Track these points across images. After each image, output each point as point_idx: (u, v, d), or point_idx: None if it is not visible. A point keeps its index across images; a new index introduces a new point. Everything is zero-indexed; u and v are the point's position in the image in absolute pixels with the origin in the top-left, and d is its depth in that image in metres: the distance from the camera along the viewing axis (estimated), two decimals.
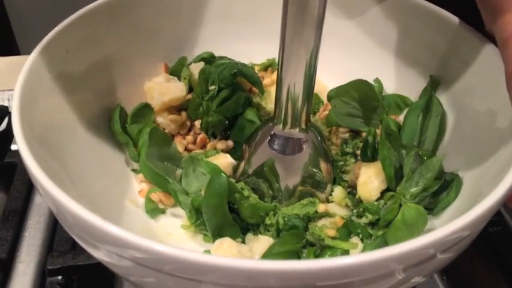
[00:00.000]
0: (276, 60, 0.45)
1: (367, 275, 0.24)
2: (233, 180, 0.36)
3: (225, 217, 0.35)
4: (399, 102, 0.43)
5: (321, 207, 0.38)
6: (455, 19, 0.38)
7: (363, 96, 0.39)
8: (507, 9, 0.31)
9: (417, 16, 0.40)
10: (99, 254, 0.28)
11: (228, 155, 0.39)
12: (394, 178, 0.36)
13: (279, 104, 0.34)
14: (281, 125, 0.36)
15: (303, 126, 0.36)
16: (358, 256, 0.23)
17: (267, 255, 0.33)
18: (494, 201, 0.25)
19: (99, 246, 0.27)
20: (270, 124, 0.37)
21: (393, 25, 0.42)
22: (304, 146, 0.37)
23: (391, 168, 0.36)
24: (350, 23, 0.44)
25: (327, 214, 0.38)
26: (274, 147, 0.36)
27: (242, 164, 0.39)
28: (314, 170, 0.37)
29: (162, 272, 0.25)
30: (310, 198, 0.38)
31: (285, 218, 0.36)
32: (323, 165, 0.38)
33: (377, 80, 0.44)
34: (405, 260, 0.23)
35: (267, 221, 0.36)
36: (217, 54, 0.46)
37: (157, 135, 0.39)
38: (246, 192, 0.36)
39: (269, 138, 0.37)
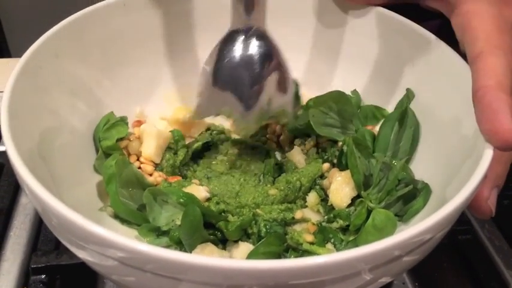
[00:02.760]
0: None
1: (337, 274, 0.25)
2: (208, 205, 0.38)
3: (204, 238, 0.36)
4: (376, 113, 0.45)
5: (298, 214, 0.39)
6: (431, 36, 0.40)
7: (341, 107, 0.41)
8: (475, 27, 0.33)
9: (396, 31, 0.42)
10: (82, 254, 0.29)
11: (201, 188, 0.39)
12: (364, 186, 0.38)
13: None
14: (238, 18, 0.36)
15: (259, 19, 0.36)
16: (327, 256, 0.24)
17: (252, 255, 0.35)
18: (453, 208, 0.27)
19: (82, 245, 0.28)
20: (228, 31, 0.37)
21: (373, 39, 0.44)
22: (266, 38, 0.36)
23: (359, 176, 0.37)
24: (331, 35, 0.46)
25: (302, 220, 0.39)
26: (236, 46, 0.36)
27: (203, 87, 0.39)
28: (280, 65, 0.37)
29: (144, 270, 0.26)
30: (288, 204, 0.39)
31: (267, 226, 0.37)
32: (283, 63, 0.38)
33: (354, 92, 0.45)
34: (371, 260, 0.25)
35: (249, 230, 0.38)
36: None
37: (124, 165, 0.37)
38: (229, 218, 0.37)
39: (228, 36, 0.37)
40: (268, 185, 0.41)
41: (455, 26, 0.36)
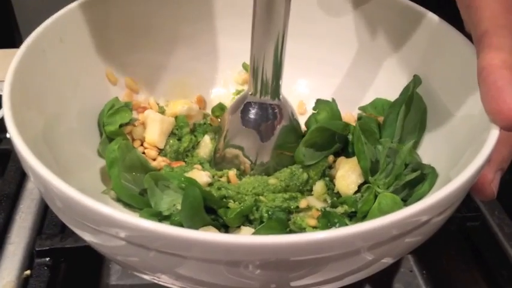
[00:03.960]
0: None
1: (337, 250, 0.25)
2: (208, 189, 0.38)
3: (205, 221, 0.36)
4: (385, 105, 0.44)
5: (303, 203, 0.39)
6: (436, 18, 0.40)
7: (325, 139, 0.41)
8: (481, 6, 0.33)
9: (400, 15, 0.42)
10: (87, 235, 0.29)
11: (203, 173, 0.39)
12: (371, 172, 0.37)
13: (253, 73, 0.37)
14: (255, 93, 0.38)
15: (275, 95, 0.38)
16: (327, 232, 0.24)
17: None
18: (452, 189, 0.26)
19: (87, 225, 0.28)
20: (244, 94, 0.39)
21: (378, 25, 0.44)
22: (277, 112, 0.39)
23: (366, 162, 0.37)
24: (334, 22, 0.45)
25: (307, 208, 0.39)
26: (249, 116, 0.39)
27: (218, 141, 0.40)
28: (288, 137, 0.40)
29: (150, 249, 0.26)
30: (293, 193, 0.39)
31: (269, 212, 0.37)
32: (294, 133, 0.40)
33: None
34: (369, 238, 0.25)
35: (251, 217, 0.37)
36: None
37: (127, 149, 0.38)
38: (230, 204, 0.37)
39: (242, 107, 0.39)
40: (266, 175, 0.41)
41: (461, 6, 0.36)
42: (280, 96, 0.39)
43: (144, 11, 0.44)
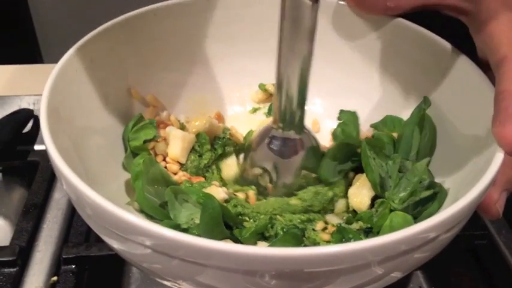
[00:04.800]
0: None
1: (348, 263, 0.26)
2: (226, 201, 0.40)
3: (224, 234, 0.37)
4: (395, 122, 0.46)
5: (319, 225, 0.40)
6: (448, 45, 0.41)
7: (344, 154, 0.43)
8: (497, 33, 0.34)
9: (413, 42, 0.43)
10: (114, 242, 0.31)
11: (220, 189, 0.41)
12: (381, 187, 0.39)
13: (277, 108, 0.38)
14: (278, 128, 0.40)
15: (299, 129, 0.40)
16: (341, 245, 0.26)
17: None
18: (458, 209, 0.28)
19: (115, 233, 0.30)
20: (269, 127, 0.41)
21: (389, 49, 0.45)
22: (300, 146, 0.40)
23: (373, 174, 0.38)
24: (348, 47, 0.47)
25: (324, 228, 0.40)
26: (273, 147, 0.40)
27: (244, 165, 0.42)
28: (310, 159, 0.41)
29: (173, 257, 0.28)
30: (310, 215, 0.40)
31: (284, 229, 0.38)
32: (315, 156, 0.42)
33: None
34: (380, 252, 0.26)
35: (266, 234, 0.39)
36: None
37: (151, 163, 0.40)
38: (245, 223, 0.39)
39: (268, 140, 0.40)
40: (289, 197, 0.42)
41: (474, 32, 0.37)
42: (304, 130, 0.41)
43: (166, 34, 0.46)
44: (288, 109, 0.38)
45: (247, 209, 0.40)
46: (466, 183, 0.34)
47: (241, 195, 0.42)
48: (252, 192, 0.42)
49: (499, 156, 0.31)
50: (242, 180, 0.43)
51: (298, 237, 0.38)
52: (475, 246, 0.46)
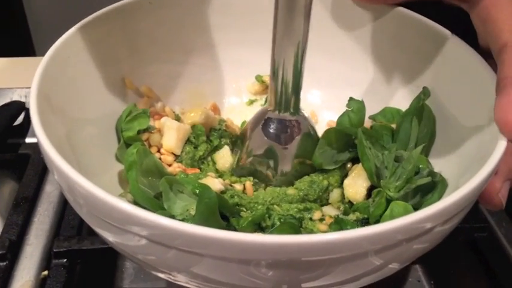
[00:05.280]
0: None
1: (346, 252, 0.26)
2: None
3: (219, 225, 0.36)
4: (394, 114, 0.45)
5: (317, 214, 0.39)
6: (448, 33, 0.41)
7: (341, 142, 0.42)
8: (500, 19, 0.34)
9: (414, 30, 0.43)
10: (108, 234, 0.30)
11: (216, 180, 0.40)
12: (377, 176, 0.38)
13: (273, 90, 0.38)
14: (274, 110, 0.39)
15: (294, 111, 0.39)
16: (339, 233, 0.25)
17: None
18: (458, 198, 0.27)
19: (109, 223, 0.29)
20: (264, 110, 0.40)
21: (390, 39, 0.45)
22: (297, 128, 0.40)
23: (368, 163, 0.38)
24: (347, 36, 0.46)
25: (321, 219, 0.39)
26: (269, 130, 0.40)
27: (240, 151, 0.41)
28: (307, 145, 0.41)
29: (170, 247, 0.27)
30: (307, 204, 0.40)
31: (281, 220, 0.38)
32: (312, 142, 0.41)
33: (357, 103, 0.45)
34: (377, 241, 0.26)
35: (263, 224, 0.38)
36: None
37: (145, 154, 0.39)
38: (242, 213, 0.38)
39: (263, 122, 0.40)
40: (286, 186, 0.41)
41: (476, 19, 0.37)
42: (300, 112, 0.40)
43: (161, 23, 0.45)
44: (283, 91, 0.38)
45: (244, 200, 0.39)
46: (468, 172, 0.33)
47: (238, 187, 0.41)
48: (249, 183, 0.41)
49: (502, 144, 0.31)
50: (239, 169, 0.43)
51: (295, 227, 0.37)
52: (475, 239, 0.45)
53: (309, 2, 0.34)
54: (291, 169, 0.41)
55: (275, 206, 0.39)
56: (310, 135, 0.41)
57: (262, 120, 0.40)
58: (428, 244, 0.30)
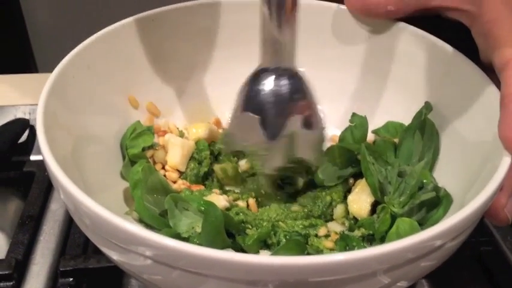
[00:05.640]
0: None
1: (354, 272, 0.26)
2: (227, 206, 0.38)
3: (225, 243, 0.36)
4: (397, 128, 0.45)
5: (322, 230, 0.39)
6: (450, 48, 0.41)
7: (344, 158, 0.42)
8: (501, 36, 0.34)
9: (415, 45, 0.43)
10: (114, 253, 0.30)
11: (221, 197, 0.40)
12: (382, 192, 0.38)
13: (263, 40, 0.36)
14: (268, 60, 0.36)
15: (290, 60, 0.36)
16: (346, 254, 0.25)
17: None
18: (466, 215, 0.28)
19: (114, 243, 0.29)
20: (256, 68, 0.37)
21: (390, 53, 0.45)
22: (298, 81, 0.37)
23: (372, 178, 0.38)
24: (350, 50, 0.47)
25: (327, 235, 0.39)
26: (263, 84, 0.36)
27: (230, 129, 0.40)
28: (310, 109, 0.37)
29: (174, 267, 0.27)
30: (312, 220, 0.39)
31: (287, 236, 0.38)
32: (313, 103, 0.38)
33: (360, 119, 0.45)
34: (386, 261, 0.26)
35: (269, 241, 0.38)
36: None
37: (150, 171, 0.39)
38: (248, 231, 0.38)
39: (255, 76, 0.37)
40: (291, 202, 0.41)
41: (477, 34, 0.37)
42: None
43: (164, 40, 0.46)
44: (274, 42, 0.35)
45: (249, 217, 0.39)
46: (474, 188, 0.33)
47: (241, 203, 0.41)
48: (252, 200, 0.42)
49: (507, 161, 0.31)
50: (231, 136, 0.40)
51: (301, 245, 0.37)
52: (481, 253, 0.45)
53: None
54: (286, 157, 0.38)
55: (280, 222, 0.39)
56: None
57: (253, 75, 0.37)
58: (437, 261, 0.30)
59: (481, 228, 0.45)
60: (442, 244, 0.28)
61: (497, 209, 0.32)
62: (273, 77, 0.36)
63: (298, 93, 0.37)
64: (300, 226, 0.39)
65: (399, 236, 0.35)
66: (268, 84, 0.36)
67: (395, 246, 0.25)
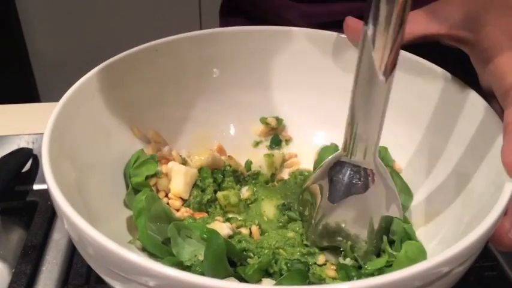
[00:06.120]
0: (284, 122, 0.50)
1: None
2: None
3: (227, 272, 0.36)
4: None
5: (321, 259, 0.39)
6: (449, 75, 0.41)
7: None
8: (502, 62, 0.34)
9: (414, 73, 0.43)
10: (117, 283, 0.30)
11: (224, 225, 0.40)
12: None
13: (349, 135, 0.36)
14: (349, 155, 0.36)
15: (370, 157, 0.36)
16: (351, 283, 0.25)
17: None
18: (471, 241, 0.28)
19: (117, 274, 0.29)
20: (339, 154, 0.38)
21: (395, 81, 0.45)
22: (373, 177, 0.37)
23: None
24: (350, 79, 0.47)
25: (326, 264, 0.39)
26: (338, 175, 0.37)
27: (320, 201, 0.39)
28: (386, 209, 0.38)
29: None
30: (310, 249, 0.39)
31: (288, 264, 0.38)
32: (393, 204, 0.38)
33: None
34: None
35: (270, 270, 0.38)
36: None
37: (153, 200, 0.39)
38: (249, 260, 0.38)
39: (337, 166, 0.37)
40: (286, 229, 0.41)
41: (476, 61, 0.37)
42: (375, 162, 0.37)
43: (167, 69, 0.46)
44: (358, 136, 0.35)
45: (251, 245, 0.39)
46: (477, 214, 0.33)
47: (244, 231, 0.41)
48: (255, 227, 0.42)
49: (509, 186, 0.31)
50: (321, 235, 0.39)
51: (303, 273, 0.37)
52: (485, 278, 0.45)
53: (389, 81, 0.33)
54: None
55: (280, 250, 0.39)
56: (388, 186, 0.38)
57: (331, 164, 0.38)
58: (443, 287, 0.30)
59: (485, 253, 0.45)
60: (449, 271, 0.27)
61: (501, 234, 0.32)
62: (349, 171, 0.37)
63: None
64: (299, 254, 0.39)
65: (409, 259, 0.36)
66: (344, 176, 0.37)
67: (403, 274, 0.25)
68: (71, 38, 1.59)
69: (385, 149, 0.45)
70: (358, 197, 0.37)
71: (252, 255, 0.39)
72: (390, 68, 0.32)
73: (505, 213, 0.32)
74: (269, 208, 0.44)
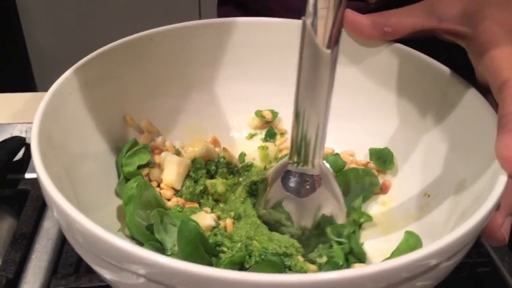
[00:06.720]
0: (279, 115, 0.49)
1: None
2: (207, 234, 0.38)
3: (204, 260, 0.36)
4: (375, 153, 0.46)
5: (299, 259, 0.38)
6: (446, 69, 0.41)
7: None
8: (498, 56, 0.34)
9: (412, 67, 0.43)
10: (106, 272, 0.30)
11: (208, 216, 0.39)
12: None
13: (294, 143, 0.36)
14: (295, 163, 0.37)
15: (315, 164, 0.37)
16: (338, 272, 0.25)
17: None
18: (461, 234, 0.27)
19: (107, 261, 0.28)
20: (285, 162, 0.38)
21: (389, 75, 0.45)
22: (317, 183, 0.38)
23: None
24: (345, 72, 0.47)
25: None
26: (289, 184, 0.38)
27: (260, 200, 0.40)
28: (327, 208, 0.39)
29: (168, 286, 0.26)
30: (287, 250, 0.37)
31: (262, 256, 0.36)
32: (335, 203, 0.40)
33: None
34: (380, 280, 0.25)
35: (246, 265, 0.36)
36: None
37: (146, 187, 0.39)
38: (221, 255, 0.37)
39: (283, 175, 0.38)
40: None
41: (473, 56, 0.37)
42: (320, 166, 0.38)
43: (161, 59, 0.46)
44: (304, 143, 0.36)
45: (224, 238, 0.38)
46: (469, 207, 0.33)
47: (222, 223, 0.40)
48: (229, 221, 0.40)
49: (503, 180, 0.31)
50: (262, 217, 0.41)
51: (276, 266, 0.36)
52: (478, 274, 0.45)
53: (334, 56, 0.32)
54: (312, 229, 0.39)
55: (254, 241, 0.37)
56: (332, 189, 0.39)
57: (282, 173, 0.39)
58: (433, 281, 0.30)
59: (478, 249, 0.45)
60: (437, 263, 0.27)
61: (493, 228, 0.32)
62: (299, 179, 0.38)
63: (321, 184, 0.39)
64: (273, 250, 0.37)
65: (410, 247, 0.36)
66: (295, 183, 0.38)
67: (391, 265, 0.25)
68: (69, 28, 1.59)
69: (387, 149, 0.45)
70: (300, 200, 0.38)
71: (225, 249, 0.37)
72: (334, 41, 0.32)
73: (497, 208, 0.32)
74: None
